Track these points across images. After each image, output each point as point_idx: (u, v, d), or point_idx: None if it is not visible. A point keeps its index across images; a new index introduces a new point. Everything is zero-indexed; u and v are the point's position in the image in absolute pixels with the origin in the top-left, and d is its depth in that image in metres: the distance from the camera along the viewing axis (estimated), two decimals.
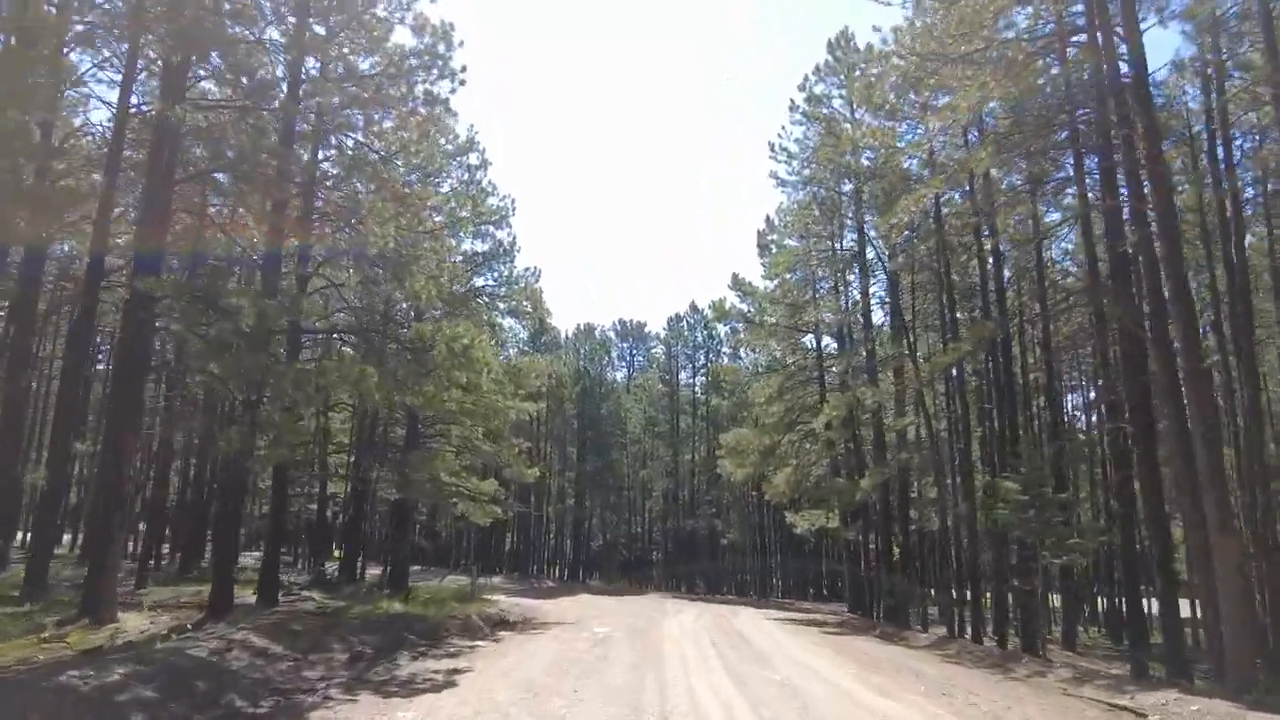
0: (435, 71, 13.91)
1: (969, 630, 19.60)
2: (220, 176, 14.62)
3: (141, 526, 27.81)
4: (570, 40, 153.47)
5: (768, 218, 29.42)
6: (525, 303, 27.55)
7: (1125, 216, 14.31)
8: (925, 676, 11.79)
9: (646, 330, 63.03)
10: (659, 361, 57.47)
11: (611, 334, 63.22)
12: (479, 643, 14.12)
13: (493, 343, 31.23)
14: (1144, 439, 14.27)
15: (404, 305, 19.06)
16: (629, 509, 58.63)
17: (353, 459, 32.25)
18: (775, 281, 27.30)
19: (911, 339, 21.26)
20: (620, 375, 62.88)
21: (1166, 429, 13.43)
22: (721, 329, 54.39)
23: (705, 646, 13.97)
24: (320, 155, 15.48)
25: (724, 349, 54.49)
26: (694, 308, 54.52)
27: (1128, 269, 15.45)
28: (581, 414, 53.17)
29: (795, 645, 15.18)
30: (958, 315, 21.17)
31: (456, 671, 10.83)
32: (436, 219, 18.08)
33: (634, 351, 63.61)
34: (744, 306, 29.69)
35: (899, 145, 19.05)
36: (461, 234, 23.79)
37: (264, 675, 9.58)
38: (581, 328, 59.27)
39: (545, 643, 14.31)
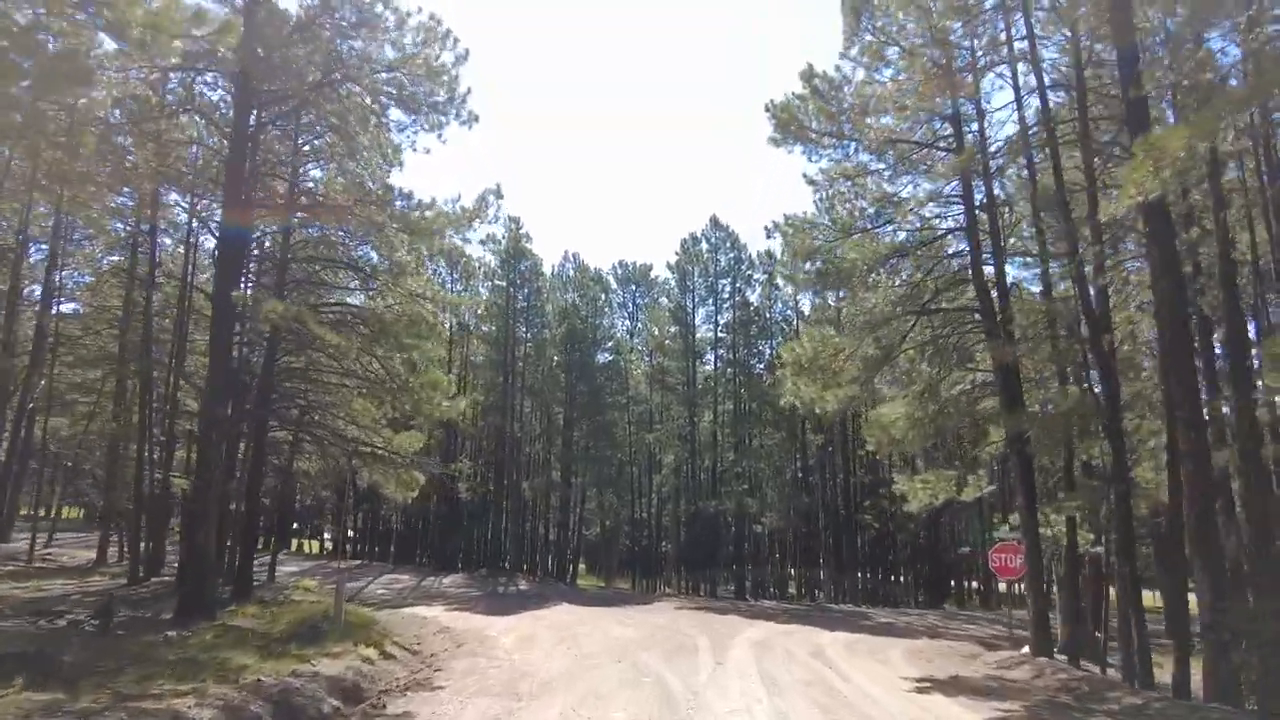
0: None
1: None
2: None
3: None
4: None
5: None
6: (429, 86, 14.82)
7: None
8: None
9: (653, 276, 49.91)
10: (671, 292, 44.31)
11: (611, 279, 50.28)
12: None
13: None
14: None
15: None
16: (632, 488, 45.80)
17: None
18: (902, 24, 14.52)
19: None
20: (622, 326, 49.99)
21: None
22: (753, 250, 41.56)
23: None
24: None
25: (757, 275, 41.58)
26: (716, 223, 41.50)
27: None
28: (569, 363, 40.41)
29: None
30: None
31: None
32: None
33: (638, 298, 50.59)
34: (824, 111, 16.94)
35: None
36: None
37: None
38: (569, 256, 46.69)
39: None
